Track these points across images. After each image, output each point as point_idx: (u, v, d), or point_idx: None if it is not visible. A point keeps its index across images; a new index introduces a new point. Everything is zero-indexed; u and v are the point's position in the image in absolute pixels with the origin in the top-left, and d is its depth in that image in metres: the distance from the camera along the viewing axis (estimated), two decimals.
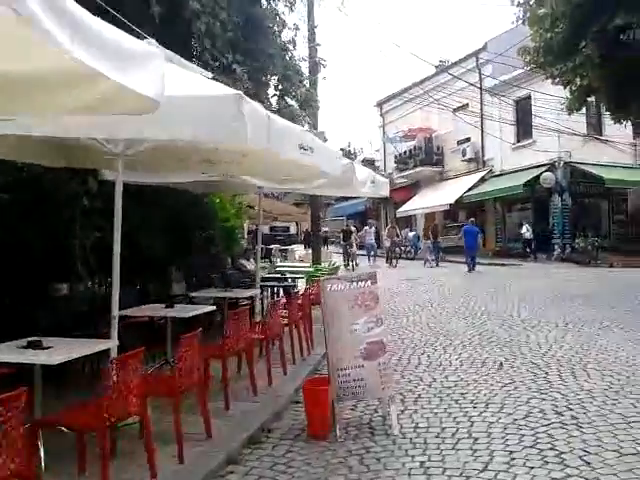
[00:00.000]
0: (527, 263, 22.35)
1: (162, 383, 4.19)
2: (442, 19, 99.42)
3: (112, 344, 4.31)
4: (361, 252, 26.50)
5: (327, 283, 5.17)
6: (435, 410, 5.28)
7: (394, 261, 24.29)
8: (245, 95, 3.79)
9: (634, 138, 24.22)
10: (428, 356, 7.42)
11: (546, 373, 6.34)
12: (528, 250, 23.67)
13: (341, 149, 63.28)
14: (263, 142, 3.90)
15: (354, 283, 5.18)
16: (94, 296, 7.05)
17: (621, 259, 21.15)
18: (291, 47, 11.48)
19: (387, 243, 25.62)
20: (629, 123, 17.68)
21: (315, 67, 15.48)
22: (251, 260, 11.94)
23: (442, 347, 7.86)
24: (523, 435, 4.51)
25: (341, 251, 25.60)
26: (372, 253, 25.73)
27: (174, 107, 3.29)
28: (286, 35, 11.11)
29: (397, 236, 26.07)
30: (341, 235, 26.57)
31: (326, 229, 37.75)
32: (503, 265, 21.98)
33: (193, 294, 7.71)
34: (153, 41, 4.65)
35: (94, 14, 2.40)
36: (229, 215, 11.44)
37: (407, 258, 26.96)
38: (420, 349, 7.84)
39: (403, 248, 27.67)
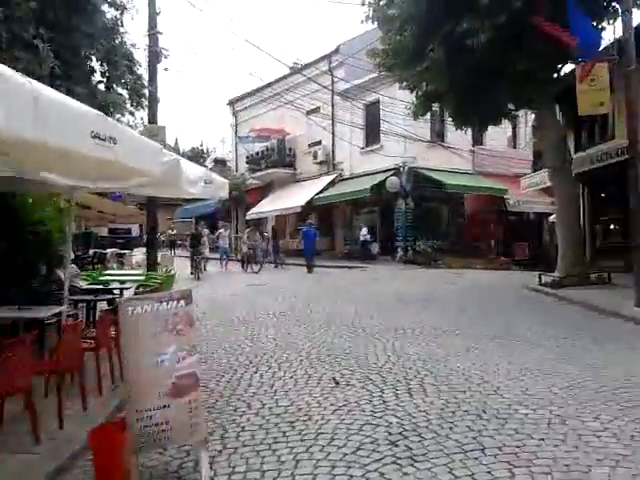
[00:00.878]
0: (373, 265, 22.78)
1: None
2: (300, 19, 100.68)
3: None
4: (215, 255, 25.41)
5: (128, 305, 4.23)
6: (258, 447, 4.58)
7: (254, 266, 22.54)
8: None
9: (473, 145, 25.77)
10: (261, 375, 6.74)
11: (382, 391, 5.93)
12: (369, 252, 24.38)
13: (193, 148, 61.41)
14: (26, 127, 2.89)
15: (163, 304, 4.31)
16: None
17: (458, 260, 22.33)
18: (122, 30, 10.26)
19: (244, 248, 24.04)
20: (469, 130, 18.55)
21: (155, 57, 14.25)
22: (74, 268, 10.42)
23: (277, 364, 7.23)
24: (352, 476, 3.95)
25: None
26: (224, 257, 24.68)
27: None
28: (112, 15, 9.88)
29: (255, 240, 24.71)
30: (188, 240, 24.78)
31: (173, 232, 35.94)
32: (350, 268, 22.20)
33: None
34: None
35: None
36: (44, 217, 9.88)
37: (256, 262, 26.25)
38: (254, 367, 7.14)
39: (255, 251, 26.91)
